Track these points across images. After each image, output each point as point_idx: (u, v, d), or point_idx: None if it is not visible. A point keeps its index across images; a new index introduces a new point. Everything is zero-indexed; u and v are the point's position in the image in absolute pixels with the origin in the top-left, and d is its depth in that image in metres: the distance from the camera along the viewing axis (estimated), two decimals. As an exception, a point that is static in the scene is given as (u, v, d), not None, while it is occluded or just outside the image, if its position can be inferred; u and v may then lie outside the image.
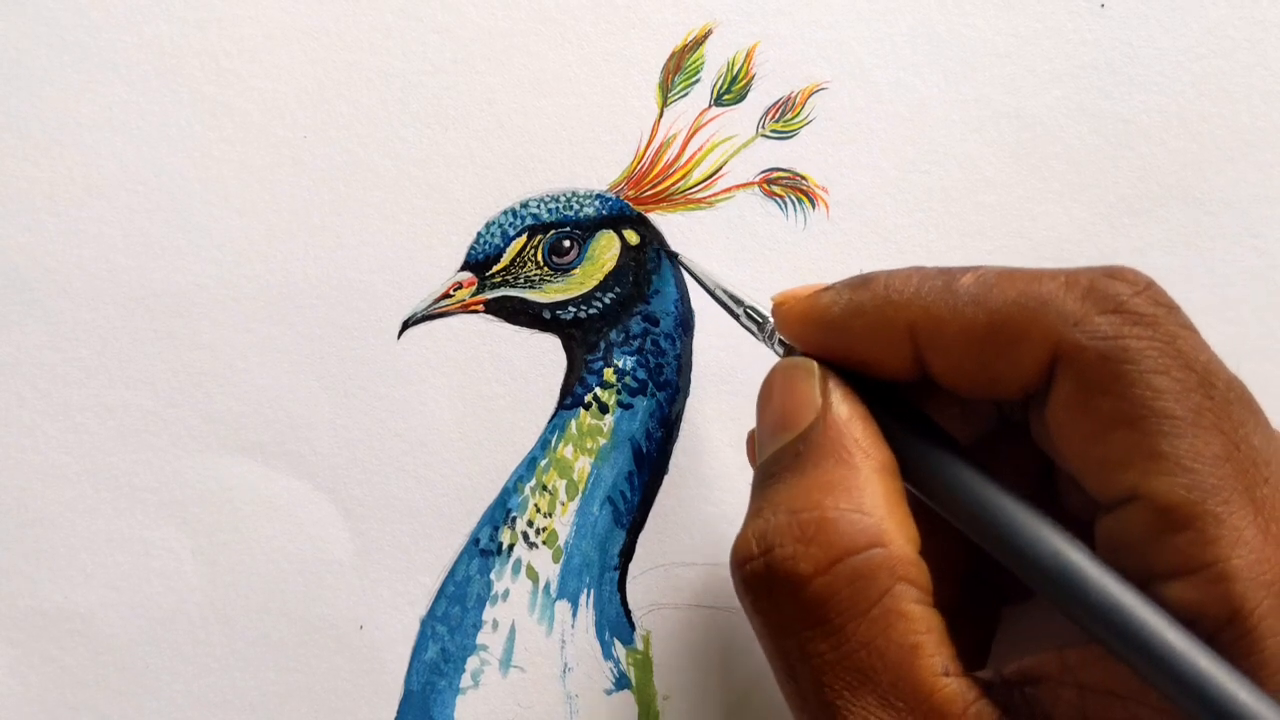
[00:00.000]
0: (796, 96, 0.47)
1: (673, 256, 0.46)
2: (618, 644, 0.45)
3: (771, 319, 0.38)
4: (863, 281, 0.35)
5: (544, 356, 0.46)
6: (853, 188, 0.47)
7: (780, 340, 0.38)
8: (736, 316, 0.41)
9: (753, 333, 0.40)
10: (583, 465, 0.45)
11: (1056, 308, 0.31)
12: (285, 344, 0.46)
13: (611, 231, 0.46)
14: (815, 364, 0.35)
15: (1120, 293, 0.31)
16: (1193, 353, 0.30)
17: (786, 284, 0.46)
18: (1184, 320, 0.31)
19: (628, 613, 0.45)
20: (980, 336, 0.32)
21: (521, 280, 0.46)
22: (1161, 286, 0.32)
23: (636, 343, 0.46)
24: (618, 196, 0.46)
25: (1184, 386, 0.30)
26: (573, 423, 0.45)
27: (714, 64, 0.47)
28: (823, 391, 0.34)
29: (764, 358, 0.46)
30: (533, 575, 0.45)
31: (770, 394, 0.36)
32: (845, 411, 0.34)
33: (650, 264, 0.46)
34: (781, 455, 0.34)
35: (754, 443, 0.37)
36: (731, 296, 0.41)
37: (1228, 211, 0.47)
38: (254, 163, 0.46)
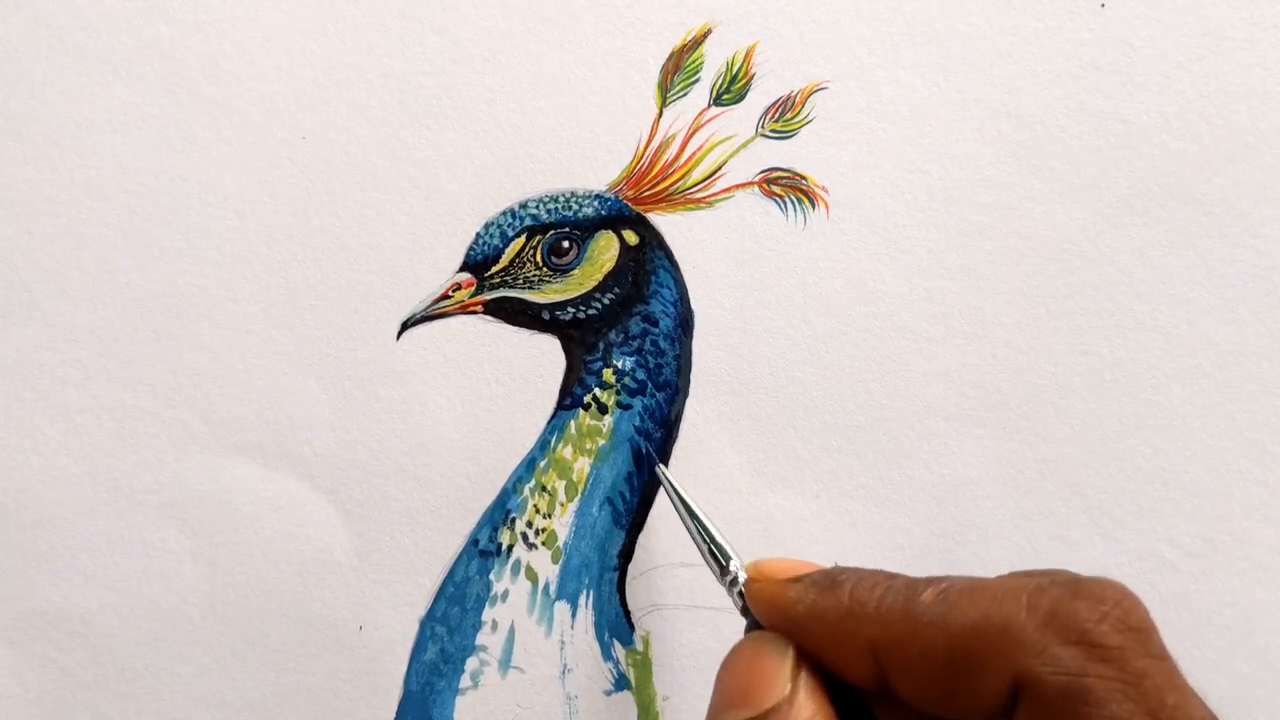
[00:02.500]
0: (796, 96, 0.47)
1: (656, 464, 0.45)
2: (617, 645, 0.45)
3: (738, 574, 0.37)
4: (830, 583, 0.33)
5: (543, 357, 0.46)
6: (852, 187, 0.47)
7: (740, 593, 0.37)
8: (703, 553, 0.39)
9: (714, 574, 0.38)
10: (582, 466, 0.45)
11: (1017, 635, 0.29)
12: (284, 345, 0.46)
13: (610, 232, 0.46)
14: (791, 650, 0.33)
15: (1084, 619, 0.29)
16: (1159, 696, 0.28)
17: (786, 283, 0.46)
18: (1154, 648, 0.29)
19: (627, 613, 0.45)
20: (941, 661, 0.30)
21: (520, 281, 0.46)
22: (1135, 601, 0.30)
23: (636, 343, 0.46)
24: (617, 197, 0.46)
25: None
26: (572, 423, 0.45)
27: (713, 64, 0.47)
28: (793, 679, 0.33)
29: (765, 362, 0.46)
30: (532, 576, 0.45)
31: (737, 663, 0.34)
32: (810, 709, 0.32)
33: (649, 264, 0.46)
34: None
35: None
36: (706, 532, 0.39)
37: (1227, 211, 0.47)
38: (253, 164, 0.46)
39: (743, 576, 0.36)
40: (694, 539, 0.39)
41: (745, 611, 0.36)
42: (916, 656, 0.31)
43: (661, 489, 0.44)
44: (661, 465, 0.45)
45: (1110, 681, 0.28)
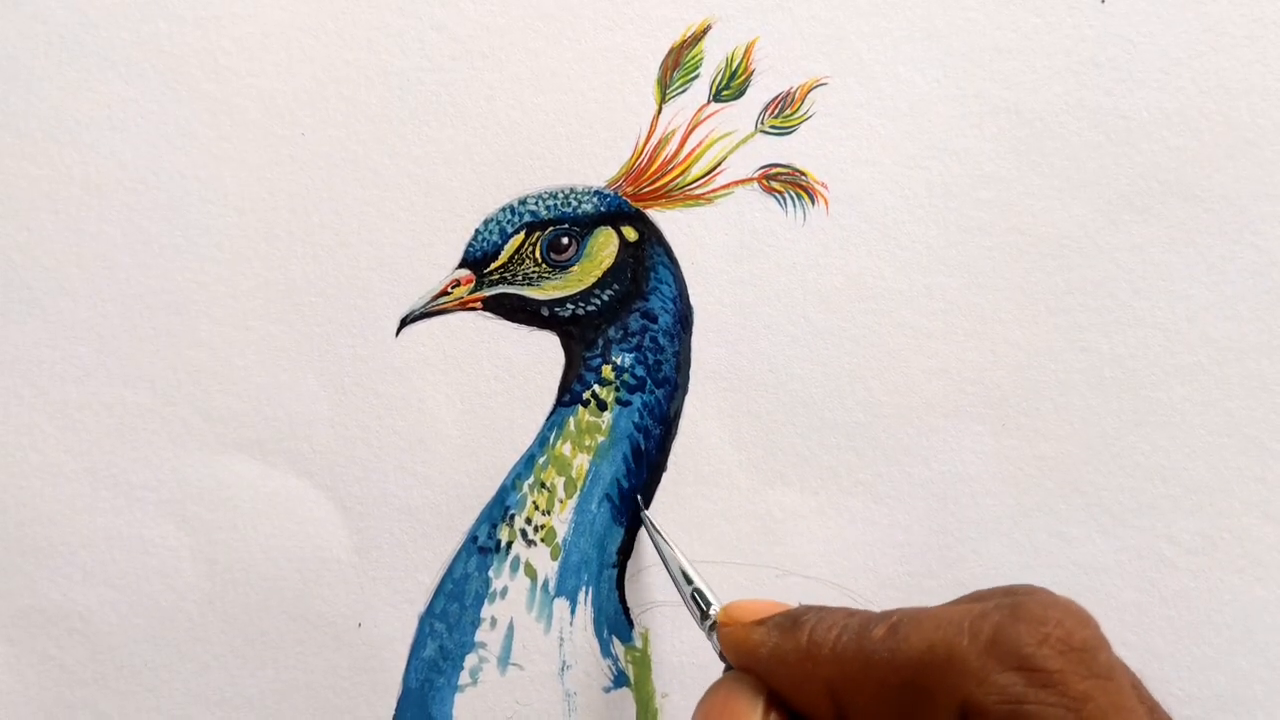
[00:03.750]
0: (796, 92, 0.47)
1: (639, 509, 0.45)
2: (616, 641, 0.45)
3: (715, 619, 0.37)
4: (792, 624, 0.34)
5: (542, 354, 0.46)
6: (852, 183, 0.47)
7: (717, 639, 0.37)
8: (684, 597, 0.40)
9: (695, 619, 0.39)
10: (581, 462, 0.45)
11: (960, 664, 0.29)
12: (284, 342, 0.46)
13: (610, 228, 0.46)
14: (761, 698, 0.34)
15: (1024, 644, 0.29)
16: (1102, 718, 0.28)
17: (785, 280, 0.46)
18: (1099, 667, 0.29)
19: (626, 610, 0.45)
20: (894, 698, 0.31)
21: (519, 277, 0.46)
22: (1080, 619, 0.30)
23: (635, 339, 0.46)
24: (616, 193, 0.46)
25: None
26: (571, 420, 0.45)
27: (713, 59, 0.47)
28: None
29: (764, 358, 0.46)
30: (531, 573, 0.45)
31: (711, 706, 0.35)
32: None
33: (649, 260, 0.46)
34: None
35: None
36: (685, 575, 0.40)
37: (1227, 208, 0.46)
38: (252, 160, 0.46)
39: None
40: (675, 584, 0.40)
41: (722, 655, 0.36)
42: (871, 694, 0.31)
43: (645, 522, 0.44)
44: (645, 511, 0.45)
45: (1051, 707, 0.28)
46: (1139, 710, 0.29)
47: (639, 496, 0.45)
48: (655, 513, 0.45)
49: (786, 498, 0.46)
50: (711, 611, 0.38)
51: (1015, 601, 0.30)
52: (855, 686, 0.31)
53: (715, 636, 0.37)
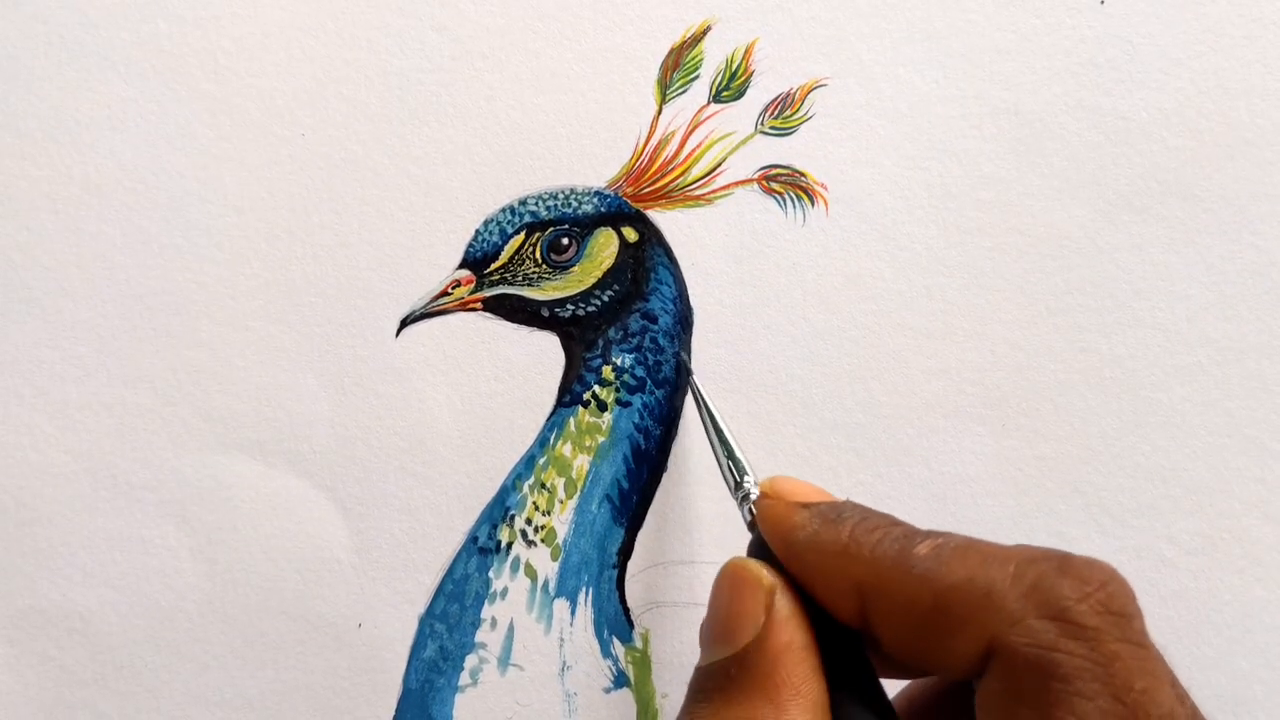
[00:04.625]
0: (795, 93, 0.47)
1: (687, 371, 0.45)
2: (616, 642, 0.45)
3: (751, 490, 0.37)
4: (835, 517, 0.34)
5: (542, 354, 0.46)
6: (852, 184, 0.47)
7: (750, 509, 0.37)
8: (720, 464, 0.40)
9: (729, 486, 0.39)
10: (581, 463, 0.45)
11: (997, 601, 0.30)
12: (284, 342, 0.46)
13: (610, 229, 0.46)
14: (767, 577, 0.34)
15: (1065, 596, 0.29)
16: (1128, 679, 0.28)
17: (785, 280, 0.46)
18: (1133, 634, 0.29)
19: (626, 611, 0.45)
20: (921, 617, 0.31)
21: (520, 278, 0.46)
22: (1122, 585, 0.30)
23: (635, 340, 0.46)
24: (616, 193, 0.46)
25: (1107, 718, 0.28)
26: (571, 420, 0.45)
27: (713, 60, 0.47)
28: (767, 610, 0.33)
29: (764, 358, 0.46)
30: (531, 573, 0.45)
31: (718, 596, 0.34)
32: (784, 639, 0.32)
33: (649, 261, 0.46)
34: (715, 672, 0.33)
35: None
36: (726, 444, 0.40)
37: (1227, 208, 0.47)
38: (252, 161, 0.46)
39: (755, 493, 0.37)
40: (714, 449, 0.40)
41: (751, 527, 0.36)
42: (899, 606, 0.31)
43: (694, 387, 0.44)
44: (693, 372, 0.45)
45: (1079, 659, 0.29)
46: (1166, 683, 0.29)
47: (687, 362, 0.45)
48: (655, 512, 0.45)
49: (786, 498, 0.46)
50: (746, 482, 0.38)
51: (1064, 555, 0.31)
52: (886, 594, 0.31)
53: (748, 508, 0.37)
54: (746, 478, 0.38)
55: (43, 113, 0.46)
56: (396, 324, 0.46)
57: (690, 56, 0.47)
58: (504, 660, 0.44)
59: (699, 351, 0.46)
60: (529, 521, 0.45)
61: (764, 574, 0.34)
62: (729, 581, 0.34)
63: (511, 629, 0.45)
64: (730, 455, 0.40)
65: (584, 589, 0.45)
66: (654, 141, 0.47)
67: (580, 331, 0.46)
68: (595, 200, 0.46)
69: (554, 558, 0.45)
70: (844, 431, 0.46)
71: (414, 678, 0.45)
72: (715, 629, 0.34)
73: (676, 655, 0.45)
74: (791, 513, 0.34)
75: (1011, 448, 0.46)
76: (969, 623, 0.30)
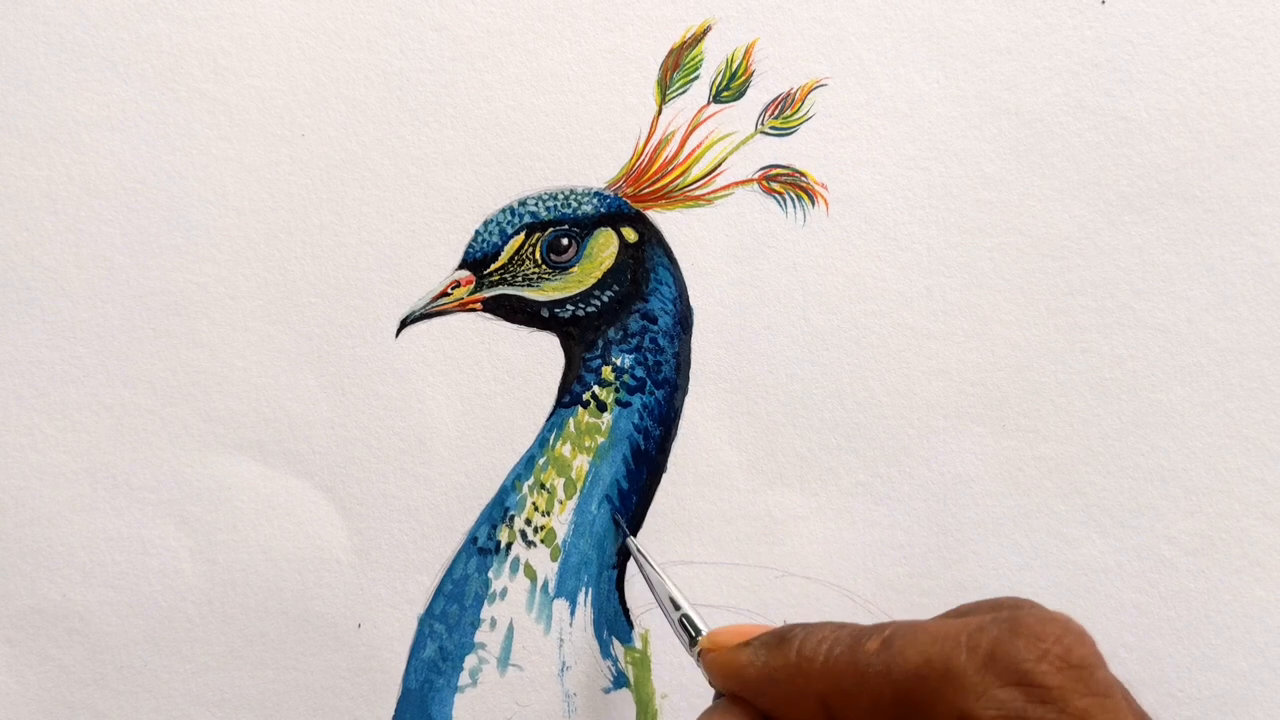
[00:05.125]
0: (796, 93, 0.47)
1: (624, 534, 0.45)
2: (616, 642, 0.45)
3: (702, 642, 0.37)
4: (779, 641, 0.34)
5: (542, 355, 0.46)
6: (852, 184, 0.47)
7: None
8: (672, 625, 0.40)
9: (682, 642, 0.39)
10: (581, 463, 0.45)
11: (957, 678, 0.29)
12: (283, 342, 0.46)
13: (610, 229, 0.46)
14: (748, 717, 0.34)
15: (1023, 659, 0.29)
16: None
17: (785, 281, 0.46)
18: (1097, 685, 0.29)
19: (626, 611, 0.45)
20: (889, 709, 0.31)
21: (519, 278, 0.46)
22: (1078, 636, 0.30)
23: (635, 340, 0.46)
24: (616, 194, 0.46)
25: None
26: (571, 421, 0.45)
27: (713, 60, 0.47)
28: None
29: (764, 358, 0.46)
30: (531, 574, 0.45)
31: None
32: None
33: (648, 261, 0.46)
34: None
35: None
36: (673, 602, 0.40)
37: (1227, 209, 0.46)
38: (252, 161, 0.46)
39: None
40: (663, 611, 0.40)
41: (713, 683, 0.36)
42: (865, 707, 0.31)
43: (632, 548, 0.44)
44: (632, 538, 0.45)
45: None
46: None
47: (624, 523, 0.45)
48: (655, 513, 0.45)
49: (786, 498, 0.46)
50: (700, 638, 0.38)
51: (1012, 616, 0.30)
52: (849, 700, 0.31)
53: (703, 663, 0.37)
54: (701, 635, 0.38)
55: (43, 113, 0.46)
56: (396, 324, 0.46)
57: (690, 57, 0.47)
58: (503, 660, 0.44)
59: (699, 351, 0.46)
60: (528, 522, 0.45)
61: (748, 712, 0.34)
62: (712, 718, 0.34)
63: (511, 629, 0.45)
64: (680, 614, 0.39)
65: (583, 589, 0.45)
66: (654, 142, 0.47)
67: (580, 332, 0.46)
68: (595, 201, 0.46)
69: (553, 558, 0.45)
70: (844, 431, 0.46)
71: (413, 678, 0.45)
72: None
73: (676, 655, 0.45)
74: (736, 655, 0.34)
75: (1011, 448, 0.46)
76: (936, 704, 0.30)
